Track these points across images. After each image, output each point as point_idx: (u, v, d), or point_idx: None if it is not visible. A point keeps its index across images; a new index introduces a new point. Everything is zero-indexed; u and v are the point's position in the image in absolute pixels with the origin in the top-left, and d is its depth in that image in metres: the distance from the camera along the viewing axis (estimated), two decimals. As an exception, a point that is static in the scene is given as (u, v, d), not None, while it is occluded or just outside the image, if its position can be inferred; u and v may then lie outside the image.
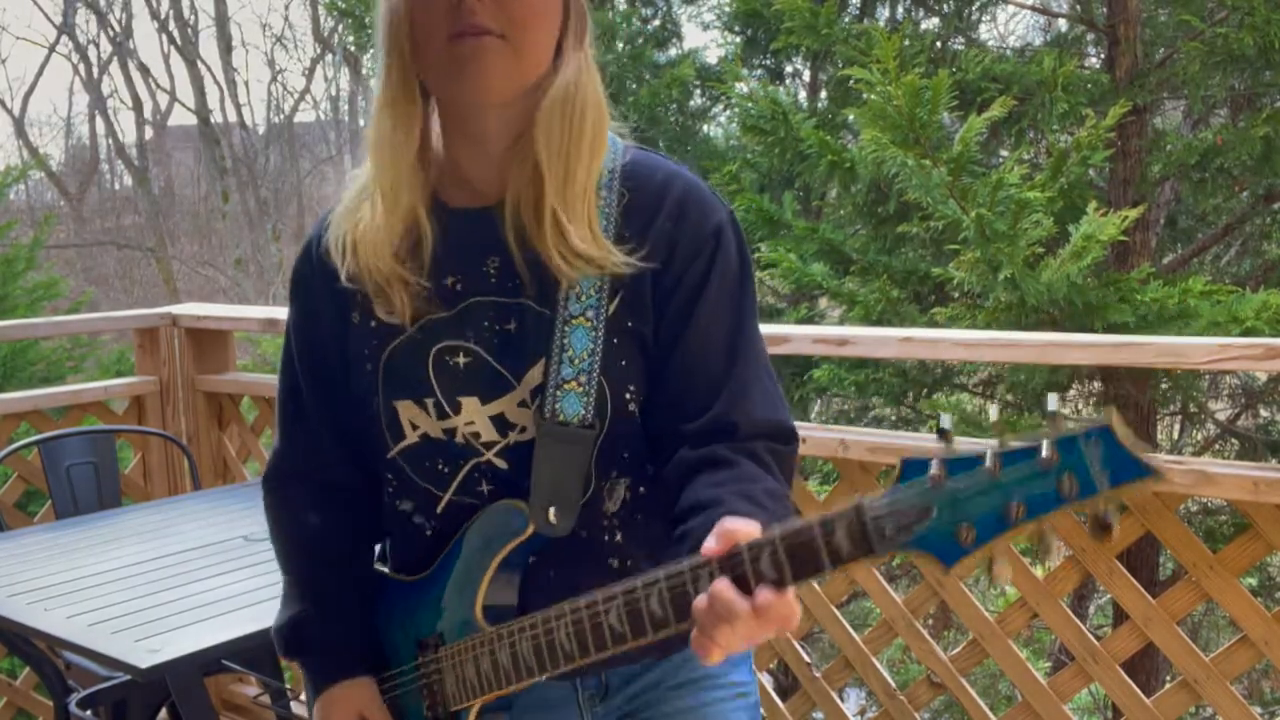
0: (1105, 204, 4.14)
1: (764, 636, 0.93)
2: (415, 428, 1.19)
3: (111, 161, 20.78)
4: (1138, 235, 4.38)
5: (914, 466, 0.87)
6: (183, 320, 3.51)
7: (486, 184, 1.16)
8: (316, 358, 1.24)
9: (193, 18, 19.51)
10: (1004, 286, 3.60)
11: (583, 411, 1.12)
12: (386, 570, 1.29)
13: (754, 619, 0.91)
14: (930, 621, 4.75)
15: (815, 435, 2.38)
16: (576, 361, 1.12)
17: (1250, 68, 4.22)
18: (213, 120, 17.86)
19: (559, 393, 1.12)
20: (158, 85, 19.71)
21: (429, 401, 1.17)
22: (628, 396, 1.15)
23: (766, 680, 3.53)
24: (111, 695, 2.50)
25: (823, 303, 4.55)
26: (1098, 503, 0.83)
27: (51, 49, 19.37)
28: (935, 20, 5.34)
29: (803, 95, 5.83)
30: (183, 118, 19.64)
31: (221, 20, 17.97)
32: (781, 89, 5.29)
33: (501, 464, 1.17)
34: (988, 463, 0.84)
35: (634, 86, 5.67)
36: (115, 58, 18.98)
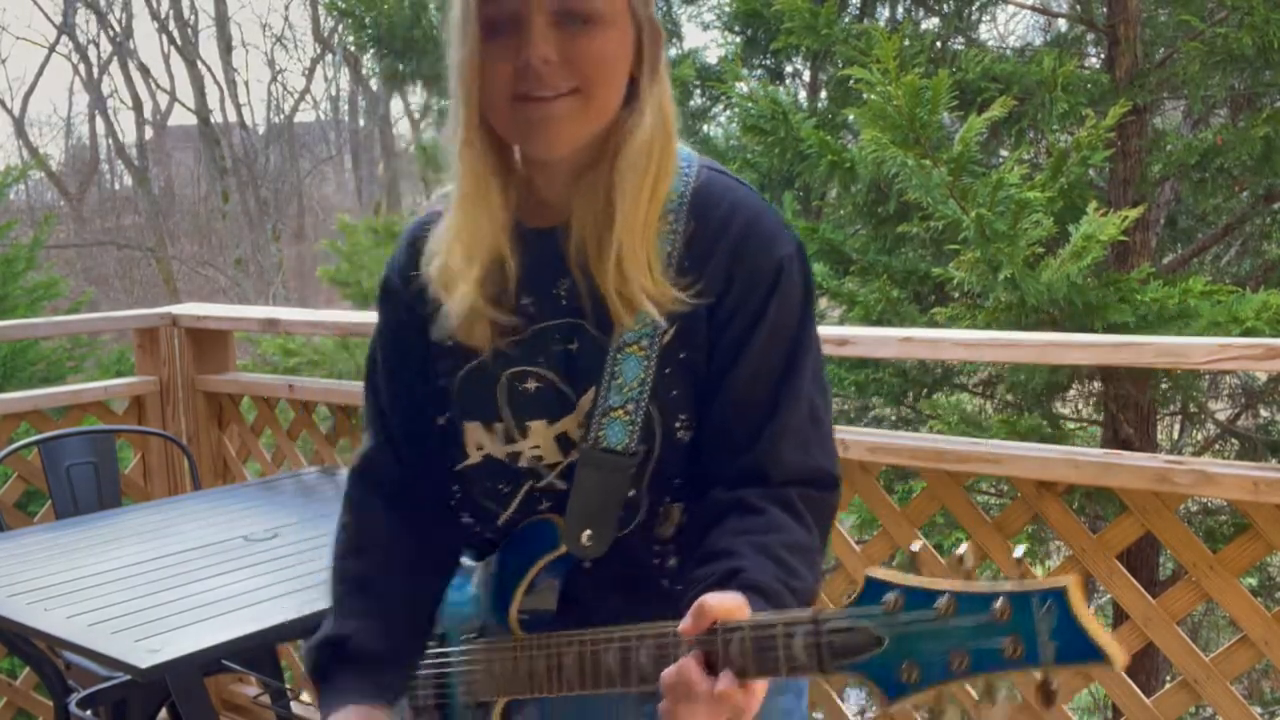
0: (1105, 204, 4.13)
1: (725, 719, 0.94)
2: (480, 448, 1.21)
3: (111, 161, 20.82)
4: (1138, 235, 4.37)
5: (876, 589, 0.87)
6: (183, 320, 3.51)
7: (559, 203, 1.18)
8: (395, 365, 1.27)
9: (193, 18, 19.54)
10: (1004, 286, 3.60)
11: (627, 440, 1.13)
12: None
13: (713, 703, 0.93)
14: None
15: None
16: (626, 390, 1.13)
17: (1250, 68, 4.21)
18: (213, 120, 17.89)
19: (604, 420, 1.13)
20: (158, 85, 19.77)
21: (498, 426, 1.20)
22: (678, 425, 1.15)
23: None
24: (111, 695, 2.49)
25: (823, 303, 4.53)
26: (1043, 671, 0.81)
27: (51, 49, 19.42)
28: (935, 20, 5.33)
29: (803, 95, 5.82)
30: (183, 118, 19.69)
31: (221, 20, 17.99)
32: (781, 89, 5.28)
33: (561, 484, 1.19)
34: (942, 604, 0.83)
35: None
36: (115, 58, 19.02)
